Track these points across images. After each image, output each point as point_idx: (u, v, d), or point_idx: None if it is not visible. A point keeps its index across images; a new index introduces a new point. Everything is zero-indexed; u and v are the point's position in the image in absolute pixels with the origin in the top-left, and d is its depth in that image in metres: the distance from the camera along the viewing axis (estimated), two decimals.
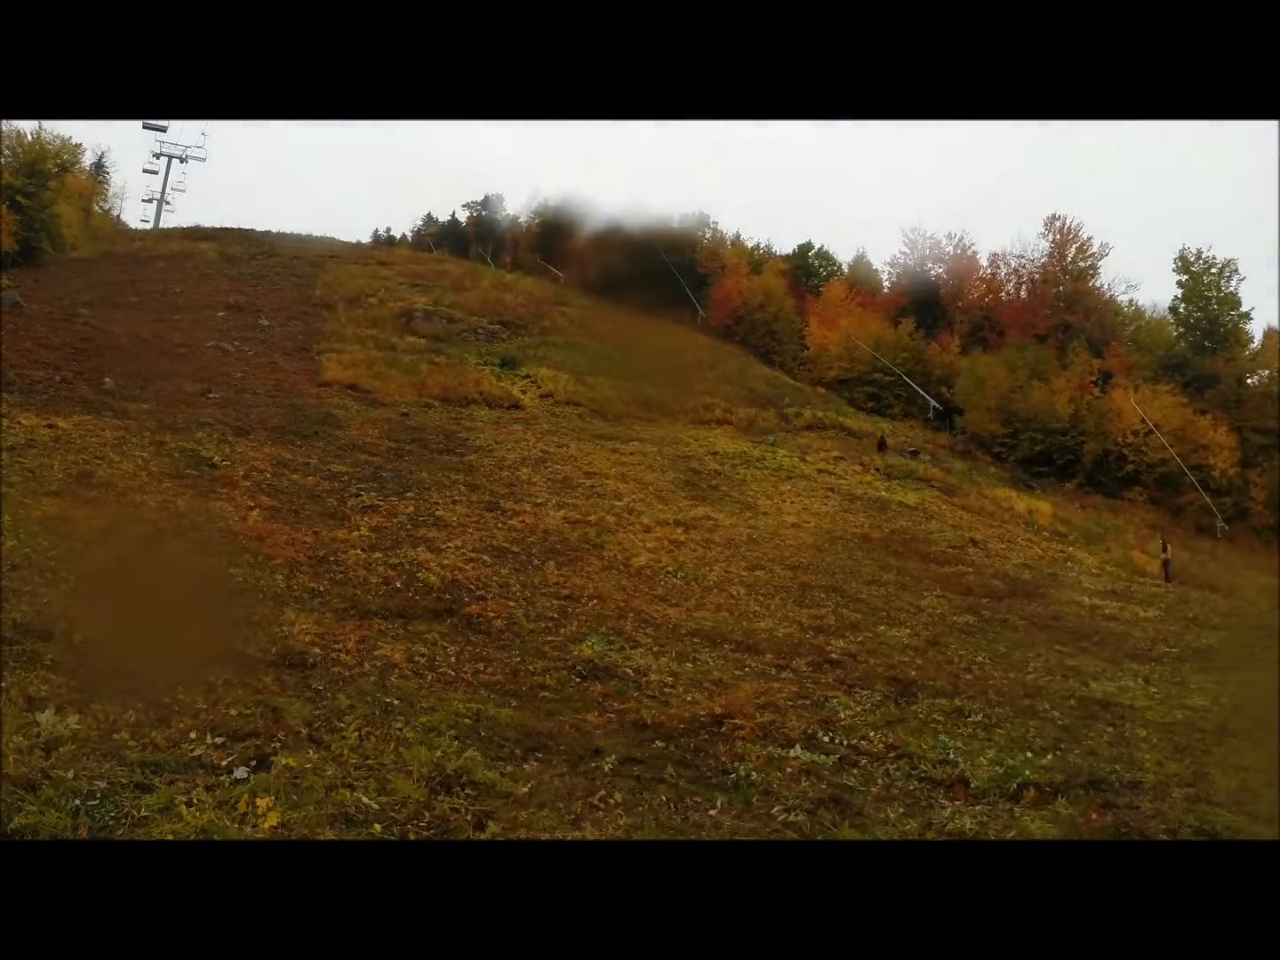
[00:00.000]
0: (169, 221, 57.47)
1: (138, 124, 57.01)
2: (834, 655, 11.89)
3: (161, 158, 55.94)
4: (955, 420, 41.62)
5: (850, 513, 22.54)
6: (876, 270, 56.66)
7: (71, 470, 13.36)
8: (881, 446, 32.05)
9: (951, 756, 8.45)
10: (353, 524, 14.38)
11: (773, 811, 6.71)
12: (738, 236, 63.66)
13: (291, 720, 6.70)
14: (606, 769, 7.20)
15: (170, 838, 4.59)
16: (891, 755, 8.44)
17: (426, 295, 39.59)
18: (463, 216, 77.50)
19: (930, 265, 51.96)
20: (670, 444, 26.25)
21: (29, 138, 40.65)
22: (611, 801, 6.36)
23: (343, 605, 10.68)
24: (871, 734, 8.95)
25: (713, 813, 6.54)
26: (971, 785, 7.80)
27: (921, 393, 43.66)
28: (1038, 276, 47.57)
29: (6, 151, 38.65)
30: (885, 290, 53.86)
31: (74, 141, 51.37)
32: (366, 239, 73.60)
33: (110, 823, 4.67)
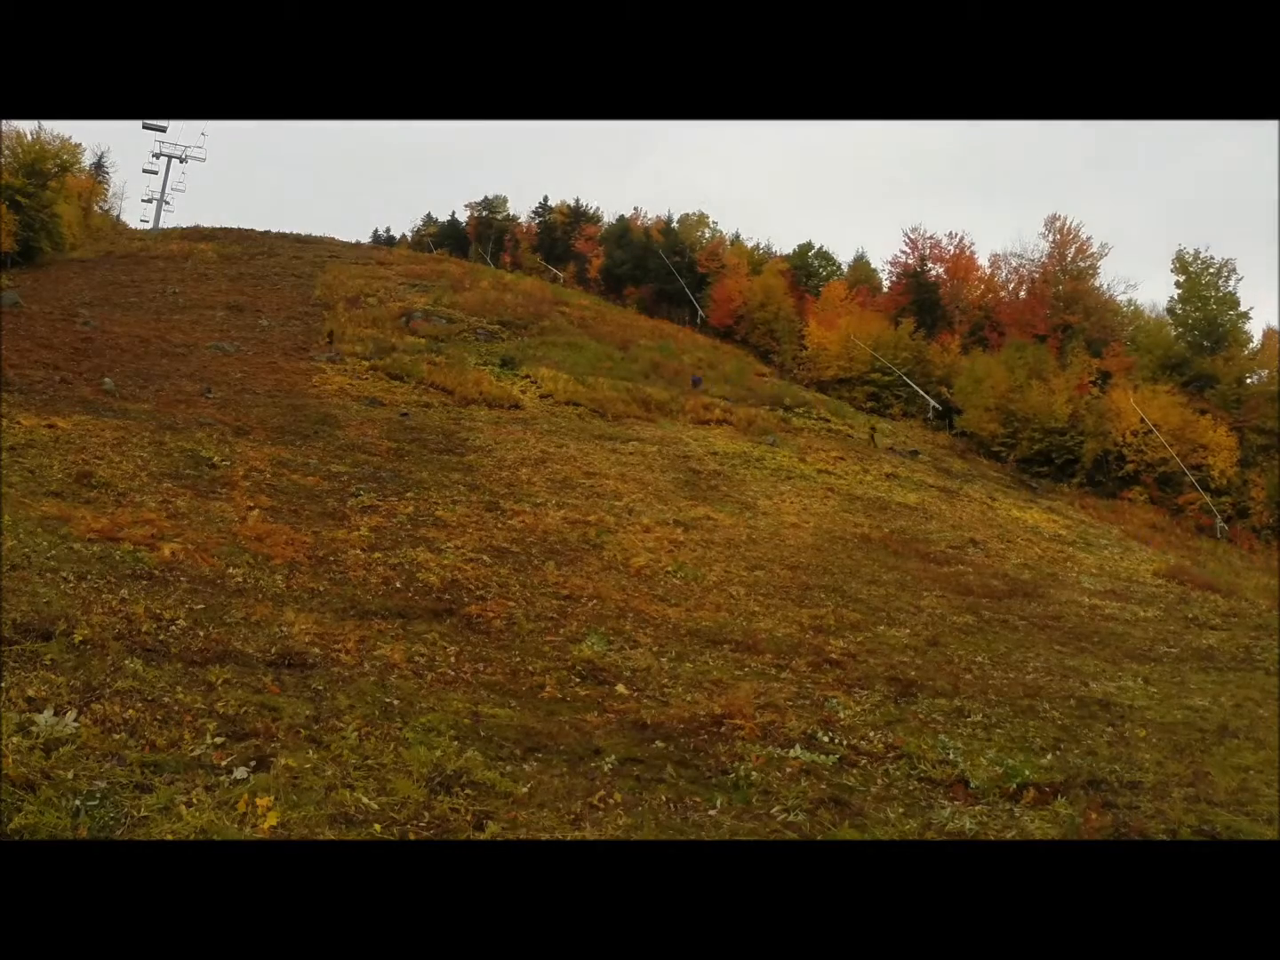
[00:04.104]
0: (169, 221, 57.63)
1: (138, 124, 57.12)
2: (834, 655, 11.89)
3: (161, 158, 56.02)
4: (954, 420, 41.64)
5: (850, 513, 22.54)
6: (876, 270, 56.76)
7: (71, 470, 13.35)
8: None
9: (951, 756, 8.45)
10: (352, 524, 14.38)
11: (773, 811, 6.71)
12: (737, 236, 63.77)
13: (291, 720, 6.70)
14: (606, 769, 7.20)
15: (170, 838, 4.59)
16: (891, 755, 8.44)
17: (426, 295, 39.63)
18: (463, 217, 77.62)
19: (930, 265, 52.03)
20: (670, 444, 26.25)
21: (29, 138, 40.75)
22: (611, 801, 6.35)
23: (342, 605, 10.68)
24: (871, 734, 8.95)
25: (712, 813, 6.54)
26: (971, 785, 7.81)
27: (921, 392, 43.68)
28: (1037, 276, 47.61)
29: (6, 151, 38.68)
30: (885, 290, 53.96)
31: (74, 141, 51.51)
32: (366, 239, 73.80)
33: (110, 823, 4.66)
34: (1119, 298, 46.84)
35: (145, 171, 57.23)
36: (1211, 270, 41.46)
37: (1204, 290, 41.50)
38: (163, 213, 55.98)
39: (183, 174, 59.94)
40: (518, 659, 10.13)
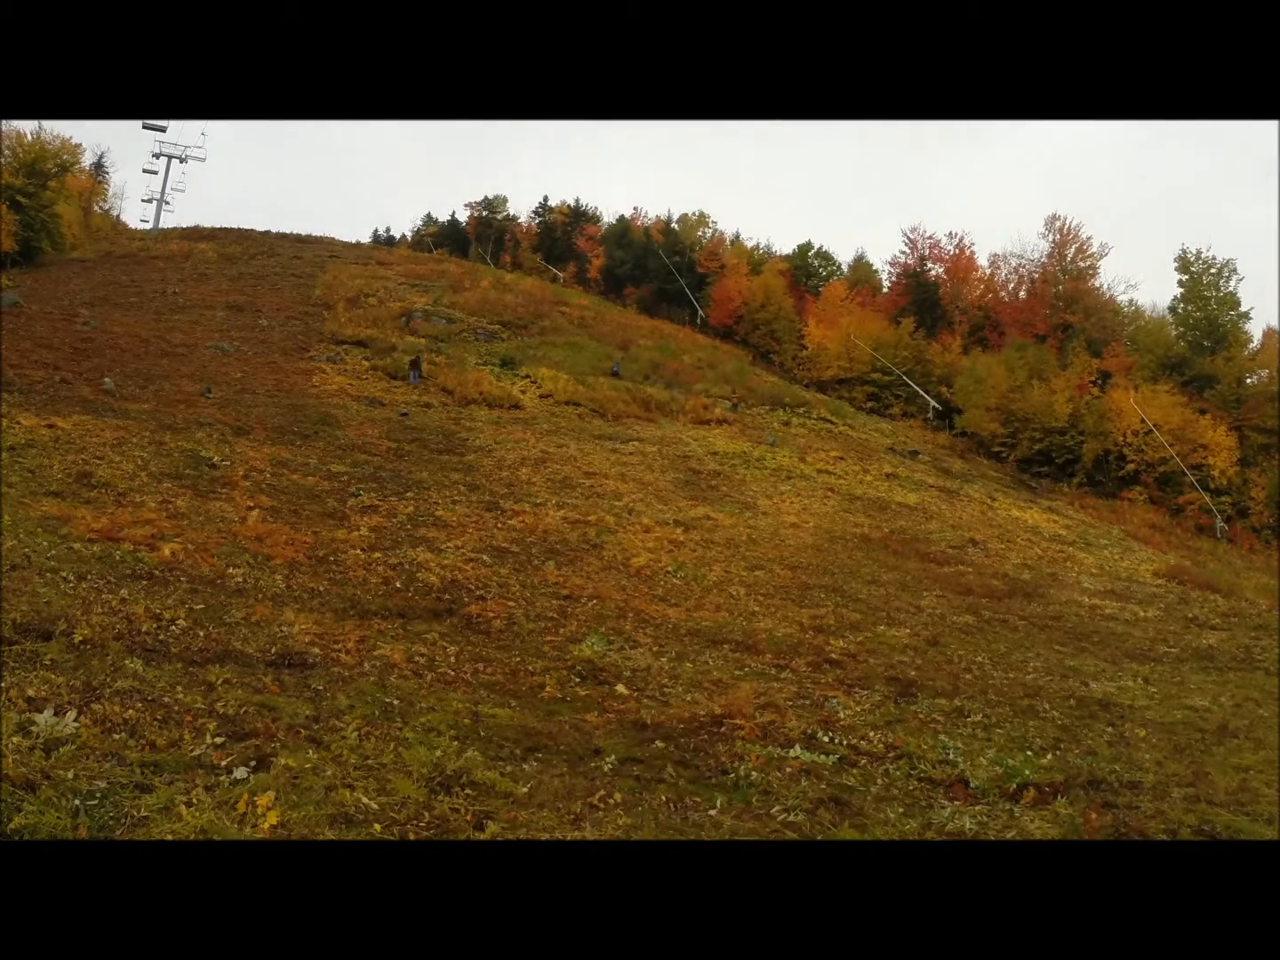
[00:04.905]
0: (169, 221, 57.64)
1: (138, 124, 57.18)
2: (834, 655, 11.90)
3: (161, 158, 56.02)
4: (954, 420, 41.64)
5: (850, 513, 22.54)
6: (876, 270, 56.74)
7: (71, 470, 13.35)
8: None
9: (951, 756, 8.45)
10: (352, 524, 14.39)
11: (772, 811, 6.71)
12: (737, 236, 63.74)
13: (291, 720, 6.70)
14: (606, 769, 7.20)
15: (170, 838, 4.59)
16: (891, 755, 8.44)
17: (426, 295, 39.62)
18: (463, 217, 77.59)
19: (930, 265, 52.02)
20: (670, 444, 26.24)
21: (29, 138, 40.78)
22: (611, 801, 6.35)
23: (342, 605, 10.69)
24: (871, 734, 8.95)
25: (712, 813, 6.53)
26: (971, 785, 7.80)
27: (921, 392, 43.69)
28: (1037, 276, 47.60)
29: (6, 151, 38.71)
30: (885, 290, 53.96)
31: (74, 141, 51.59)
32: (366, 239, 73.80)
33: (110, 823, 4.66)
34: (1119, 298, 46.88)
35: (145, 171, 57.27)
36: (1213, 270, 41.48)
37: (1204, 290, 41.52)
38: (163, 213, 56.00)
39: (183, 174, 59.99)
40: (518, 659, 10.13)
